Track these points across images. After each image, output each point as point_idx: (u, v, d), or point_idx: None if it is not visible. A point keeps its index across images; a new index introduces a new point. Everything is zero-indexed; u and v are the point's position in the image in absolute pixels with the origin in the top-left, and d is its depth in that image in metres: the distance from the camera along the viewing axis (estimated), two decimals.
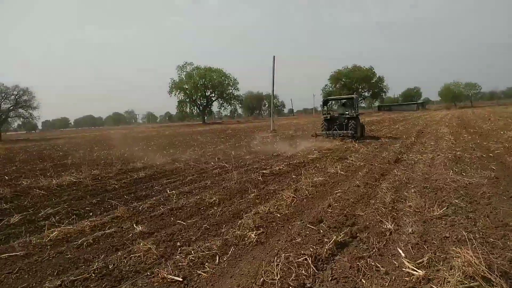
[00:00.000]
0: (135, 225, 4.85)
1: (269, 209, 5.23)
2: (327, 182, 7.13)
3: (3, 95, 52.70)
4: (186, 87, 77.74)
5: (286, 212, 5.15)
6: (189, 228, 4.71)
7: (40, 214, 5.74)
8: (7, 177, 10.41)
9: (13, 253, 4.04)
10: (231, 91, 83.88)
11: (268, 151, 13.95)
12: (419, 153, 10.44)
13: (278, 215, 5.02)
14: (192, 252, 3.82)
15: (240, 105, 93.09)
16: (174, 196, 6.65)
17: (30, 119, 59.80)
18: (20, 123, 69.54)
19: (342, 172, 8.05)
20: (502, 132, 14.91)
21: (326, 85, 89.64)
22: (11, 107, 54.65)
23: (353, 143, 14.27)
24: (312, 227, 4.43)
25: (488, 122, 23.17)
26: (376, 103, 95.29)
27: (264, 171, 8.79)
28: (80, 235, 4.67)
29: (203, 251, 3.83)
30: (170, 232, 4.57)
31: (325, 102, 18.22)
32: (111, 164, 12.04)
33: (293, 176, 8.08)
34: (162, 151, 15.97)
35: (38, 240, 4.44)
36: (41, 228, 5.03)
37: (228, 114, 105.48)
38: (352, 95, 18.92)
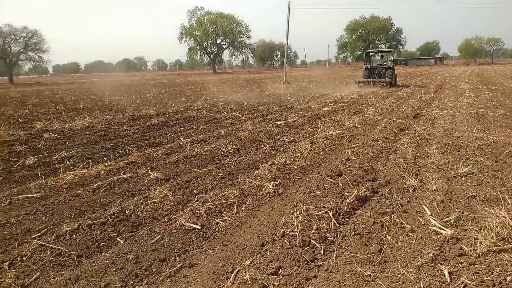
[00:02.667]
0: (150, 171, 4.79)
1: (285, 160, 5.10)
2: (344, 136, 6.93)
3: (12, 37, 51.86)
4: (197, 33, 75.45)
5: (303, 164, 5.01)
6: (205, 176, 4.62)
7: (54, 157, 5.71)
8: (20, 120, 10.41)
9: (30, 195, 4.03)
10: (242, 39, 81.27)
11: (282, 102, 13.65)
12: (439, 109, 10.07)
13: (295, 167, 4.89)
14: (209, 200, 3.75)
15: (251, 54, 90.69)
16: (188, 144, 6.55)
17: (41, 63, 59.30)
18: (31, 66, 68.99)
19: (359, 126, 7.81)
20: None
21: (341, 35, 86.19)
22: (21, 50, 54.01)
23: (388, 89, 17.74)
24: (331, 180, 4.31)
25: (510, 79, 22.22)
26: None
27: (278, 123, 8.59)
28: (95, 179, 4.63)
29: (220, 200, 3.76)
30: (186, 179, 4.49)
31: (366, 54, 22.28)
32: (123, 110, 11.94)
33: (308, 128, 7.88)
34: (174, 99, 15.78)
35: (54, 183, 4.42)
36: (56, 171, 5.01)
37: (239, 64, 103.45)
38: (390, 49, 24.51)
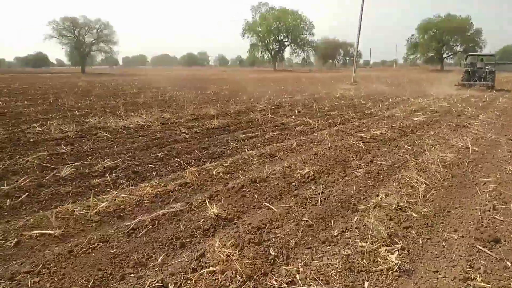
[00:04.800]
0: (208, 203, 3.52)
1: (396, 201, 3.55)
2: (460, 162, 5.16)
3: (86, 28, 54.87)
4: (260, 29, 74.73)
5: (424, 210, 3.43)
6: (283, 219, 3.25)
7: (96, 167, 4.68)
8: (77, 113, 9.88)
9: (46, 231, 2.93)
10: (305, 36, 79.05)
11: (357, 107, 11.92)
12: None
13: (414, 215, 3.33)
14: (297, 277, 2.36)
15: (313, 52, 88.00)
16: (255, 159, 5.23)
17: (111, 54, 62.37)
18: (103, 57, 72.92)
19: (475, 148, 5.96)
20: None
21: (412, 35, 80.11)
22: (94, 41, 57.02)
23: (490, 92, 18.10)
24: (485, 250, 2.71)
25: None
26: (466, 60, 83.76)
27: (362, 135, 6.98)
28: (136, 208, 3.46)
29: (314, 277, 2.35)
30: (256, 223, 3.15)
31: (466, 57, 23.33)
32: (182, 108, 11.03)
33: (406, 146, 6.19)
34: (235, 97, 14.68)
35: (83, 211, 3.31)
36: (92, 188, 3.94)
37: (299, 62, 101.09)
38: (493, 53, 25.92)
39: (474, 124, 8.29)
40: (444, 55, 79.07)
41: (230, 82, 28.34)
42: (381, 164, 5.07)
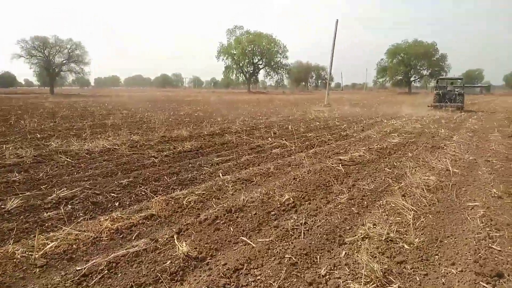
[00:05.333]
0: (177, 239, 3.07)
1: (385, 231, 3.23)
2: (444, 186, 4.96)
3: (57, 48, 53.50)
4: (234, 52, 75.48)
5: (416, 240, 3.13)
6: (263, 256, 2.85)
7: (50, 198, 4.14)
8: (39, 135, 9.19)
9: None
10: (279, 59, 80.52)
11: (332, 128, 11.81)
12: None
13: (406, 247, 3.02)
14: None
15: (287, 75, 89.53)
16: (230, 186, 4.83)
17: (82, 74, 60.81)
18: (74, 78, 70.98)
19: (455, 170, 5.82)
20: None
21: (381, 59, 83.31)
22: (64, 61, 55.56)
23: (459, 113, 18.89)
24: (488, 286, 2.41)
25: None
26: (432, 83, 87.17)
27: (340, 157, 6.74)
28: (91, 248, 2.97)
29: None
30: (233, 263, 2.73)
31: (437, 81, 24.87)
32: (153, 129, 10.53)
33: (386, 169, 5.97)
34: (209, 118, 14.30)
35: (25, 254, 2.78)
36: (41, 225, 3.41)
37: (273, 84, 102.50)
38: (461, 77, 27.00)
39: (450, 145, 8.27)
40: (412, 79, 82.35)
41: (204, 103, 27.99)
42: (363, 188, 4.79)
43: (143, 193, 4.48)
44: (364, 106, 26.69)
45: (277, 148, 7.83)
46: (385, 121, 14.51)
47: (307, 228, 3.39)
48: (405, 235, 3.23)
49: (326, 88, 28.44)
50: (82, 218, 3.64)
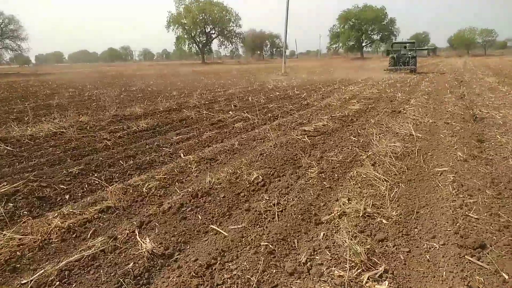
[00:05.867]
0: (139, 234, 2.74)
1: (361, 206, 3.10)
2: (410, 151, 4.96)
3: None
4: (185, 22, 72.39)
5: (393, 214, 3.02)
6: (237, 246, 2.61)
7: None
8: None
9: None
10: (232, 28, 78.61)
11: (293, 98, 11.63)
12: (494, 108, 8.17)
13: (385, 222, 2.91)
14: None
15: (241, 44, 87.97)
16: (193, 167, 4.50)
17: (19, 51, 55.79)
18: (12, 55, 64.91)
19: (418, 134, 5.86)
20: None
21: (334, 25, 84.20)
22: None
23: (413, 75, 19.96)
24: (475, 261, 2.34)
25: None
26: (382, 48, 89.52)
27: (305, 128, 6.58)
28: (39, 254, 2.57)
29: None
30: (205, 256, 2.47)
31: (392, 45, 26.82)
32: (104, 108, 9.76)
33: (352, 137, 5.89)
34: (164, 93, 13.58)
35: None
36: None
37: (228, 54, 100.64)
38: (413, 41, 27.49)
39: (408, 109, 8.38)
40: (363, 44, 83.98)
41: (157, 76, 26.72)
42: (332, 160, 4.66)
43: (97, 181, 4.03)
44: (320, 73, 26.77)
45: (240, 121, 7.52)
46: (343, 87, 14.57)
47: (280, 209, 3.18)
48: (381, 209, 3.12)
49: (281, 56, 28.23)
50: (26, 217, 3.19)
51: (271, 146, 5.40)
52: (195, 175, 4.25)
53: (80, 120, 7.91)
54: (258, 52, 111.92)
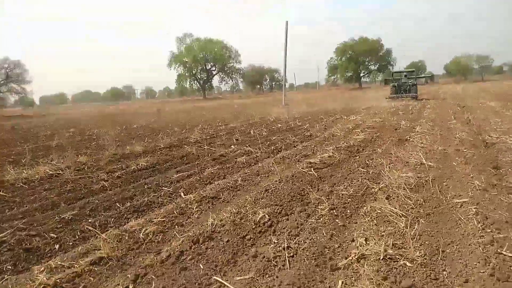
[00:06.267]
0: None
1: (381, 248, 2.78)
2: (424, 182, 4.65)
3: None
4: (186, 60, 74.14)
5: (416, 254, 2.70)
6: None
7: None
8: None
9: None
10: (232, 64, 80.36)
11: (295, 129, 11.46)
12: (505, 133, 7.91)
13: (409, 264, 2.58)
14: None
15: (241, 79, 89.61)
16: (194, 207, 4.21)
17: (24, 94, 56.83)
18: (17, 98, 66.04)
19: (430, 163, 5.58)
20: None
21: (331, 58, 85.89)
22: (2, 81, 51.59)
23: (415, 102, 20.23)
24: None
25: None
26: (379, 78, 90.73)
27: (310, 160, 6.32)
28: None
29: None
30: None
31: (392, 74, 27.48)
32: (103, 147, 9.57)
33: (360, 168, 5.61)
34: (165, 130, 13.45)
35: None
36: None
37: (229, 89, 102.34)
38: (413, 69, 30.26)
39: (415, 137, 8.15)
40: (361, 74, 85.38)
41: (159, 113, 26.84)
42: (342, 194, 4.36)
43: (91, 227, 3.73)
44: (321, 104, 26.84)
45: (242, 156, 7.28)
46: (345, 117, 14.43)
47: (291, 254, 2.86)
48: (403, 249, 2.80)
49: (280, 89, 28.68)
50: (10, 272, 2.88)
51: (276, 181, 5.12)
52: (196, 216, 3.95)
53: (78, 160, 7.69)
54: (258, 86, 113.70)
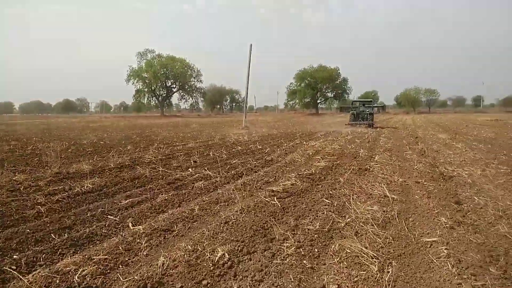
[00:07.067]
0: None
1: None
2: (390, 217, 4.49)
3: None
4: (146, 75, 72.58)
5: None
6: None
7: None
8: None
9: None
10: (193, 82, 79.89)
11: (255, 153, 11.17)
12: (458, 166, 8.13)
13: None
14: None
15: (202, 99, 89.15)
16: (143, 241, 3.69)
17: None
18: None
19: (393, 196, 5.47)
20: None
21: (291, 83, 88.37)
22: None
23: (369, 130, 21.49)
24: None
25: (467, 128, 21.95)
26: (335, 105, 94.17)
27: (273, 188, 6.01)
28: None
29: None
30: None
31: (352, 103, 29.35)
32: (46, 164, 8.66)
33: (323, 199, 5.37)
34: (117, 147, 12.61)
35: None
36: None
37: (188, 108, 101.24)
38: (370, 99, 34.09)
39: (375, 167, 8.15)
40: (318, 101, 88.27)
41: (113, 129, 25.57)
42: (308, 229, 4.05)
43: (14, 267, 3.10)
44: (280, 127, 27.03)
45: (200, 180, 6.82)
46: (305, 142, 14.42)
47: None
48: None
49: (240, 111, 28.73)
50: None
51: (237, 211, 4.73)
52: (144, 253, 3.44)
53: (14, 179, 6.82)
54: (218, 106, 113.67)
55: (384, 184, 6.15)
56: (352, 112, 26.52)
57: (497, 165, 7.99)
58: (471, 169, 7.65)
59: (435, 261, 3.18)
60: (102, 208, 4.95)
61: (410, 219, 4.48)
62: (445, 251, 3.33)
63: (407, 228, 4.09)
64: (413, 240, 3.75)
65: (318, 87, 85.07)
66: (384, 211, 4.66)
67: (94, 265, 3.08)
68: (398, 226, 4.16)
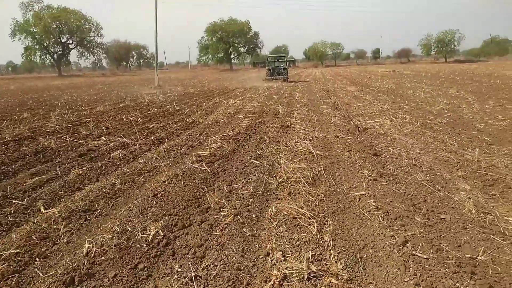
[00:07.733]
0: None
1: (301, 264, 2.48)
2: (318, 173, 4.65)
3: None
4: (35, 30, 63.30)
5: (339, 267, 2.49)
6: None
7: None
8: None
9: None
10: (93, 37, 72.20)
11: (174, 115, 10.66)
12: (371, 118, 8.76)
13: (335, 282, 2.35)
14: None
15: (105, 55, 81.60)
16: (62, 226, 3.25)
17: None
18: None
19: (317, 152, 5.66)
20: (411, 90, 14.71)
21: (202, 37, 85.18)
22: None
23: (283, 84, 22.39)
24: None
25: (370, 80, 23.85)
26: (248, 60, 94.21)
27: (200, 153, 5.78)
28: None
29: None
30: None
31: (267, 59, 30.14)
32: None
33: (252, 160, 5.34)
34: (11, 116, 10.93)
35: None
36: None
37: (90, 66, 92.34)
38: (284, 54, 36.81)
39: (296, 123, 8.34)
40: (232, 56, 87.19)
41: (1, 94, 22.14)
42: (242, 194, 3.98)
43: None
44: (195, 85, 26.21)
45: (117, 149, 6.26)
46: (224, 101, 14.17)
47: (202, 286, 2.33)
48: (325, 262, 2.57)
49: (149, 67, 27.09)
50: None
51: (164, 181, 4.43)
52: (65, 241, 3.03)
53: None
54: (124, 64, 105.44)
55: (307, 140, 6.33)
56: (268, 68, 27.37)
57: (403, 115, 8.80)
58: (381, 120, 8.29)
59: (366, 215, 3.37)
60: (2, 191, 4.22)
61: (336, 174, 4.69)
62: (373, 203, 3.55)
63: (336, 184, 4.28)
64: (342, 195, 3.93)
65: (230, 42, 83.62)
66: (311, 168, 4.79)
67: (4, 263, 2.61)
68: (327, 182, 4.32)
